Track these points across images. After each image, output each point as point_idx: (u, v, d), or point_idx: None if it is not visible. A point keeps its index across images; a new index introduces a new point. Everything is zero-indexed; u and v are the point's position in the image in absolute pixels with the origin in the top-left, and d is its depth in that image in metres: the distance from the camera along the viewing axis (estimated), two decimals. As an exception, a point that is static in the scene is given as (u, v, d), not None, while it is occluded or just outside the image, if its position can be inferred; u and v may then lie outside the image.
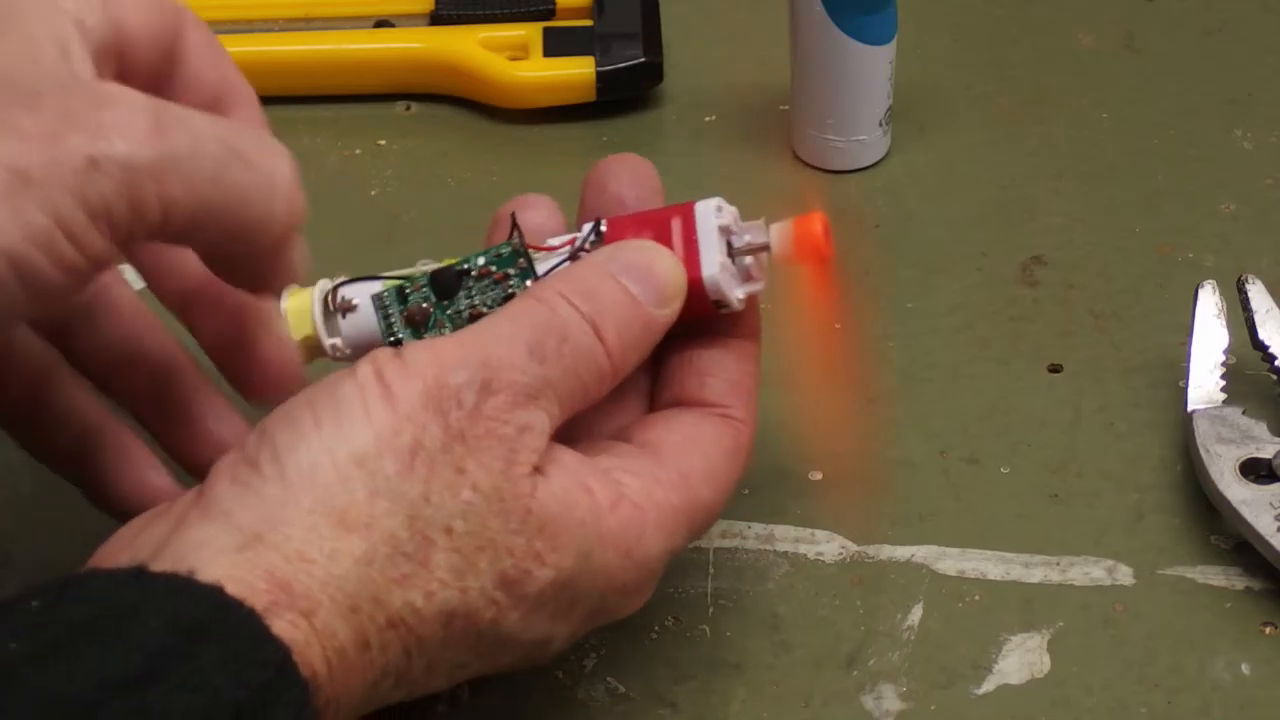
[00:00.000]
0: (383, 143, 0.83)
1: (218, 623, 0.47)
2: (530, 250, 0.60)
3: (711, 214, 0.59)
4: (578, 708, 0.63)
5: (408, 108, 0.85)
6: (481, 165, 0.82)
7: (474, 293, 0.60)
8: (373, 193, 0.81)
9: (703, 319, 0.60)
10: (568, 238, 0.60)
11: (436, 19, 0.85)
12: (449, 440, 0.52)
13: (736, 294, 0.59)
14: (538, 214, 0.61)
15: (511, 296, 0.59)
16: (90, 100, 0.49)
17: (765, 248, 0.59)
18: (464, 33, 0.84)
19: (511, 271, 0.59)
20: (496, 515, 0.53)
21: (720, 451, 0.58)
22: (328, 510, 0.51)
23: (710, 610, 0.66)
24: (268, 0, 0.86)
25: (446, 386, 0.52)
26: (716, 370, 0.60)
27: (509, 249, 0.60)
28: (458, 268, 0.60)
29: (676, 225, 0.59)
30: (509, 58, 0.83)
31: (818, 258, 0.59)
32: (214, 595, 0.48)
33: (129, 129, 0.49)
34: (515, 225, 0.60)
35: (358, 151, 0.83)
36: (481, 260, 0.60)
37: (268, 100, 0.85)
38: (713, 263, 0.58)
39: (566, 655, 0.64)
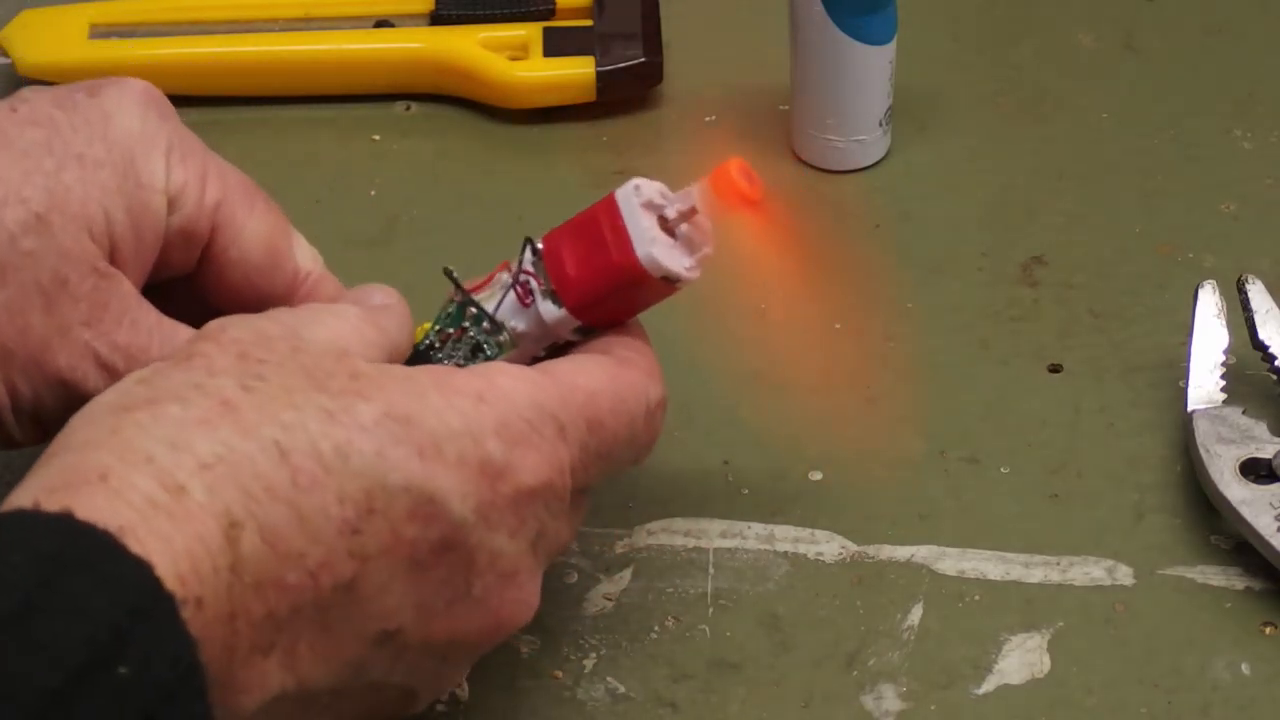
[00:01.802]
0: (382, 142, 0.83)
1: (76, 550, 0.48)
2: (473, 294, 0.60)
3: (631, 196, 0.59)
4: (577, 708, 0.63)
5: (408, 108, 0.85)
6: (481, 165, 0.82)
7: (444, 356, 0.61)
8: (372, 193, 0.81)
9: (655, 300, 0.60)
10: (501, 265, 0.61)
11: (436, 19, 0.85)
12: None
13: (683, 264, 0.59)
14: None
15: (478, 345, 0.60)
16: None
17: (694, 210, 0.59)
18: (464, 33, 0.84)
19: (466, 324, 0.60)
20: (315, 372, 0.54)
21: (599, 362, 0.59)
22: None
23: (710, 610, 0.66)
24: (268, 0, 0.86)
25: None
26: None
27: (454, 306, 0.61)
28: (421, 347, 0.61)
29: (604, 219, 0.59)
30: (509, 58, 0.83)
31: (744, 201, 0.59)
32: (66, 523, 0.48)
33: None
34: (451, 278, 0.61)
35: (357, 151, 0.83)
36: (436, 328, 0.61)
37: (268, 100, 0.86)
38: (644, 241, 0.58)
39: (567, 655, 0.64)
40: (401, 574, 0.54)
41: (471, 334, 0.60)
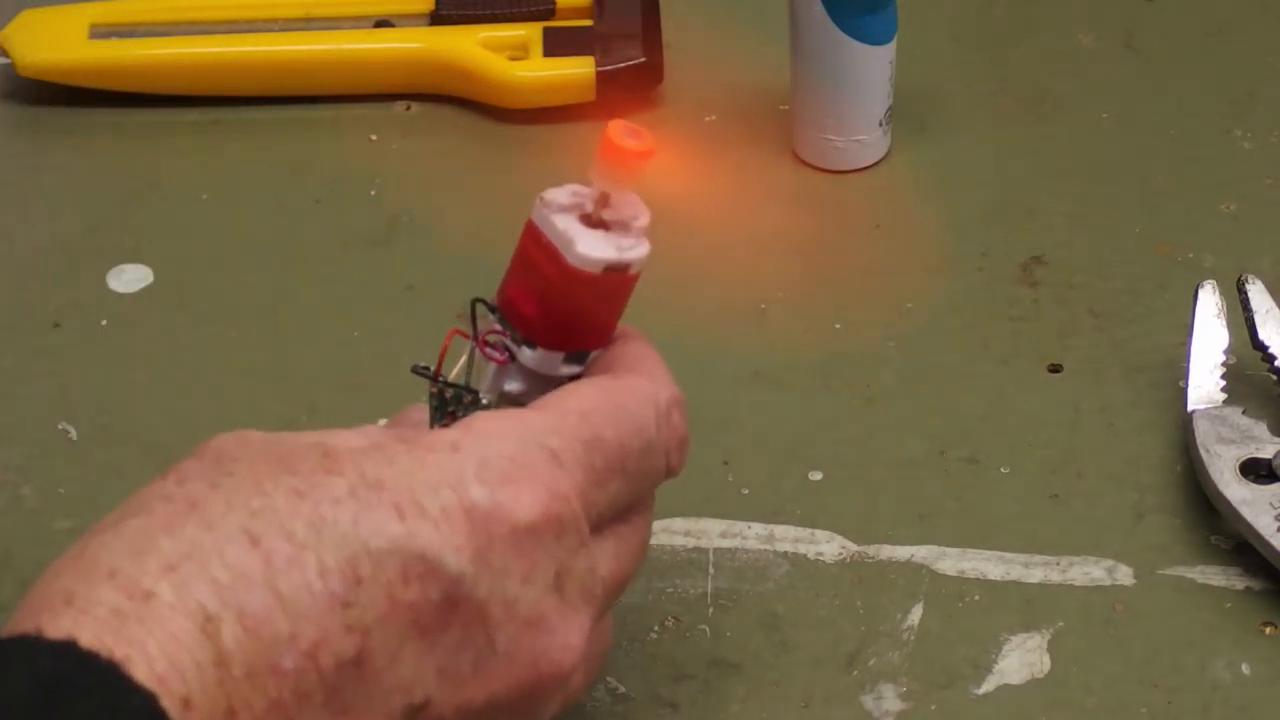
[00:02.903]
0: (382, 142, 0.83)
1: (79, 677, 0.47)
2: (447, 383, 0.58)
3: (542, 210, 0.57)
4: (578, 708, 0.63)
5: (408, 108, 0.85)
6: (481, 165, 0.82)
7: None
8: (372, 193, 0.81)
9: (622, 296, 0.58)
10: (449, 335, 0.58)
11: (436, 19, 0.85)
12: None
13: (620, 247, 0.56)
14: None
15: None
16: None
17: (603, 192, 0.57)
18: (464, 33, 0.84)
19: (454, 409, 0.58)
20: (287, 459, 0.52)
21: (591, 381, 0.57)
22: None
23: (710, 610, 0.66)
24: (268, 0, 0.86)
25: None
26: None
27: (434, 399, 0.58)
28: None
29: (531, 245, 0.57)
30: (509, 58, 0.83)
31: (639, 158, 0.56)
32: (70, 650, 0.47)
33: None
34: (421, 373, 0.58)
35: (357, 151, 0.83)
36: (430, 426, 0.58)
37: (268, 100, 0.86)
38: (568, 244, 0.56)
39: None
40: (411, 641, 0.51)
41: (461, 415, 0.58)
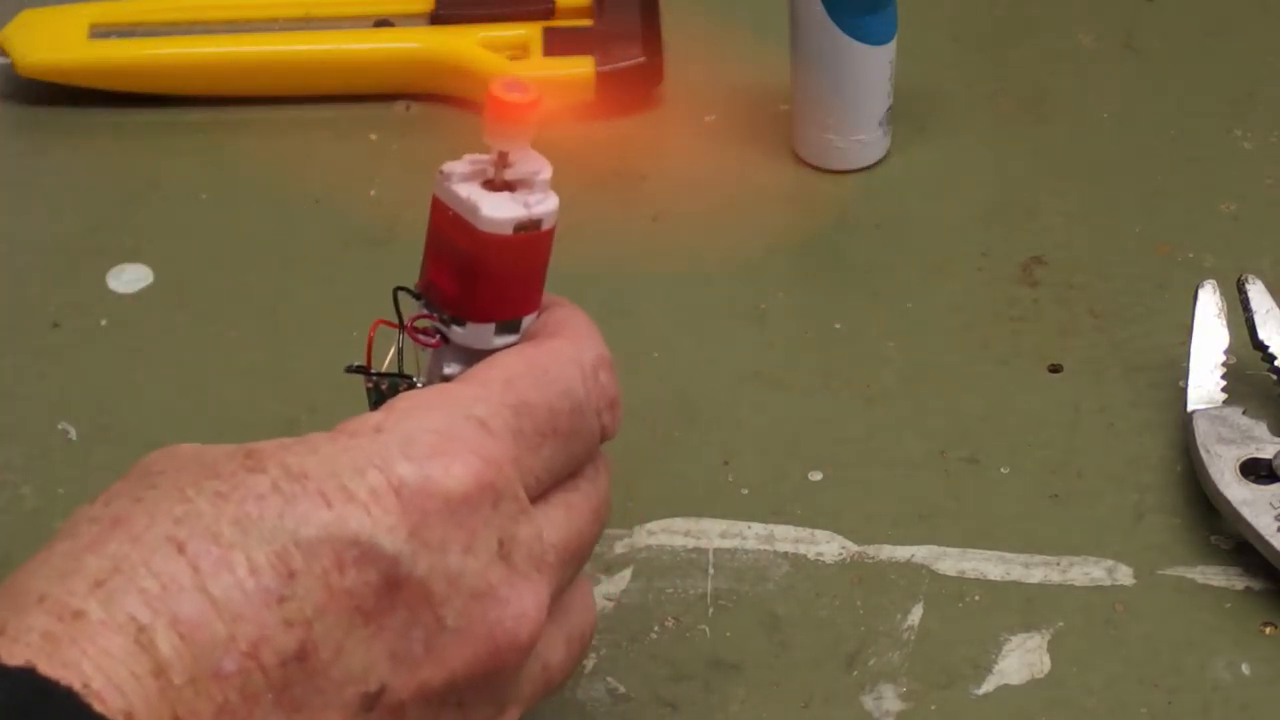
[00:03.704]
0: (381, 142, 0.83)
1: (13, 701, 0.46)
2: (381, 374, 0.58)
3: (444, 184, 0.56)
4: (577, 708, 0.63)
5: (407, 108, 0.85)
6: (481, 165, 0.82)
7: None
8: (372, 193, 0.81)
9: (540, 255, 0.57)
10: (374, 325, 0.58)
11: (436, 19, 0.85)
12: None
13: (533, 204, 0.56)
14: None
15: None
16: None
17: (502, 154, 0.56)
18: (464, 33, 0.84)
19: (401, 387, 0.57)
20: (211, 464, 0.52)
21: (513, 349, 0.56)
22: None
23: (710, 610, 0.66)
24: (268, 0, 0.86)
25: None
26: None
27: (372, 393, 0.58)
28: None
29: (440, 221, 0.57)
30: (509, 58, 0.83)
31: (527, 110, 0.56)
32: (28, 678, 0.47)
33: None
34: (356, 370, 0.58)
35: (357, 151, 0.83)
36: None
37: (269, 100, 0.86)
38: (472, 211, 0.55)
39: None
40: (356, 628, 0.51)
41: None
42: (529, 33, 0.84)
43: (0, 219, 0.81)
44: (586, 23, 0.84)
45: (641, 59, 0.83)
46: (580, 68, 0.83)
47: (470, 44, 0.84)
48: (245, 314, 0.76)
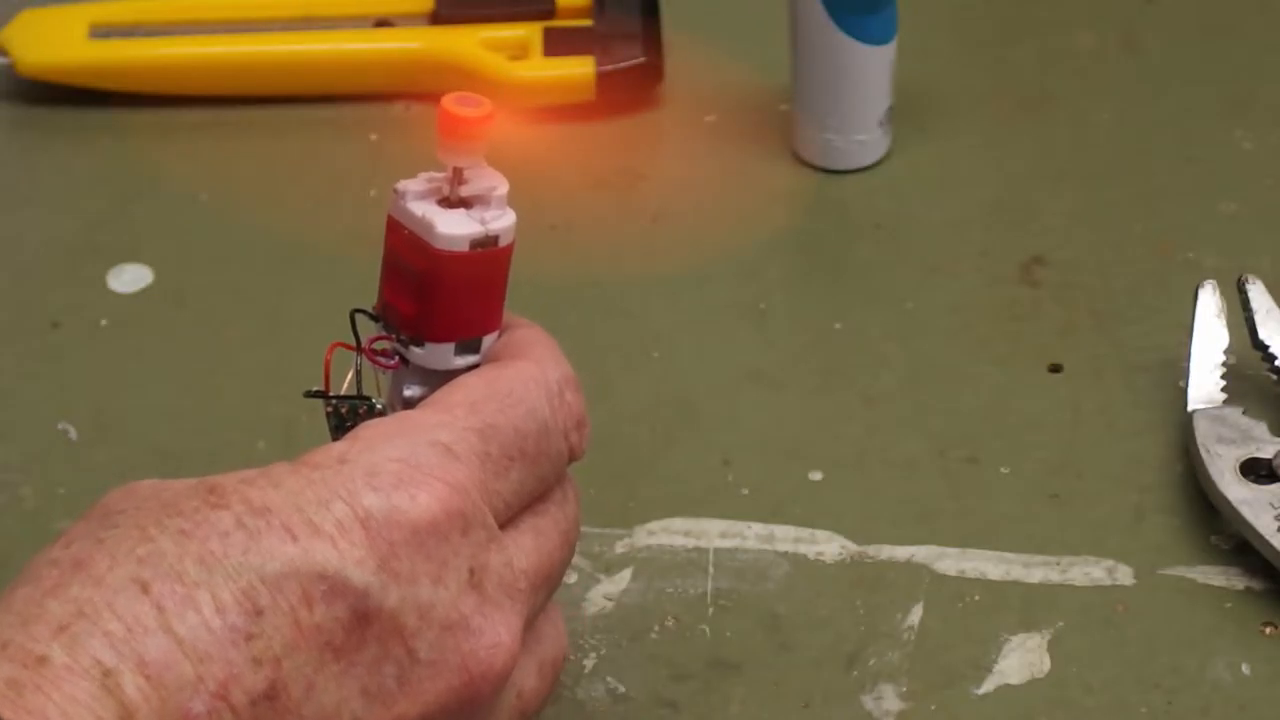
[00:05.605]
0: (381, 142, 0.83)
1: None
2: (340, 397, 0.57)
3: (399, 203, 0.55)
4: (577, 707, 0.63)
5: (407, 108, 0.85)
6: (481, 165, 0.82)
7: None
8: (372, 193, 0.81)
9: (498, 272, 0.56)
10: (330, 348, 0.57)
11: (436, 19, 0.85)
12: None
13: (489, 220, 0.55)
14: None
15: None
16: None
17: (457, 170, 0.55)
18: (464, 33, 0.84)
19: (350, 424, 0.56)
20: (173, 501, 0.51)
21: (476, 373, 0.55)
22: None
23: (710, 610, 0.66)
24: (268, 0, 0.86)
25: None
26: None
27: (332, 417, 0.57)
28: None
29: (396, 241, 0.55)
30: (509, 58, 0.83)
31: (481, 124, 0.55)
32: None
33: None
34: (314, 395, 0.57)
35: (356, 151, 0.83)
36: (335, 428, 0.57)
37: (269, 100, 0.86)
38: (428, 228, 0.54)
39: (566, 655, 0.64)
40: (327, 665, 0.50)
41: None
42: (529, 33, 0.84)
43: (0, 219, 0.81)
44: (587, 23, 0.84)
45: (641, 59, 0.83)
46: (580, 68, 0.83)
47: (470, 44, 0.84)
48: (245, 314, 0.76)
